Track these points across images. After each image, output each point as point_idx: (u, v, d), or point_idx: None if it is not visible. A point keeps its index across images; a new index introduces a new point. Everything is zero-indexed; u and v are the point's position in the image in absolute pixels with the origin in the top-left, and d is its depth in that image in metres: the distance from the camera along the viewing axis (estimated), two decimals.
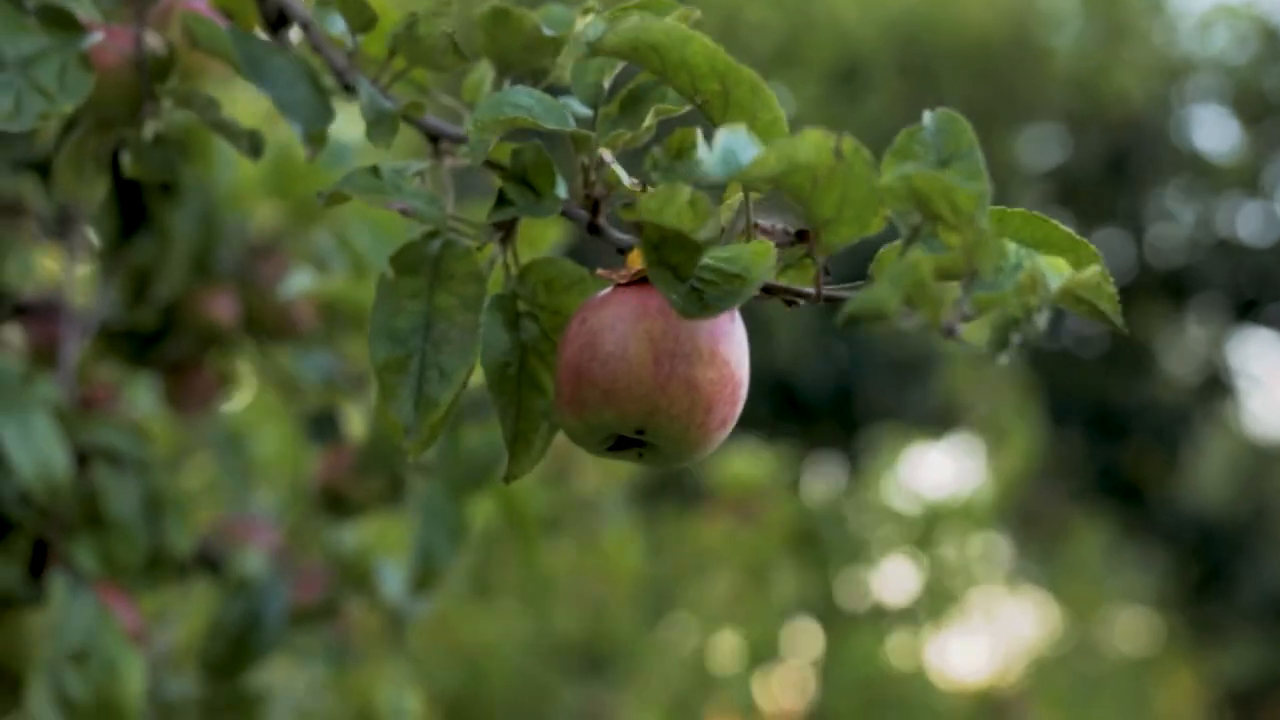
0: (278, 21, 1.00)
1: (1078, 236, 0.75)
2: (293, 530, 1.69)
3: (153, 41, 0.99)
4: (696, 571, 3.46)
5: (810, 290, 0.75)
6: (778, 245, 0.80)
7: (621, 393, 0.77)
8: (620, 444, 0.80)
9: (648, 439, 0.78)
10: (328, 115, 0.92)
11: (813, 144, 0.67)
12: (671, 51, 0.75)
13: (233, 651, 1.47)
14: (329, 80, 0.96)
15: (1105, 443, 6.63)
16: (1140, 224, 7.52)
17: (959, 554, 3.58)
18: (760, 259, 0.72)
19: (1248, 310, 7.47)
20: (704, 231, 0.71)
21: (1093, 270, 0.71)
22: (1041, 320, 0.68)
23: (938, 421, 4.91)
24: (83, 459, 1.29)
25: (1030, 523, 4.99)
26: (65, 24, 0.93)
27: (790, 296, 0.77)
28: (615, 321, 0.78)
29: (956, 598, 3.64)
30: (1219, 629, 6.34)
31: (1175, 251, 7.62)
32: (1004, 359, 0.68)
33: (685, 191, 0.70)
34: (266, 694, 1.49)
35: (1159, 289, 7.28)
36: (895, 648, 3.70)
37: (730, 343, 0.79)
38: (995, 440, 3.54)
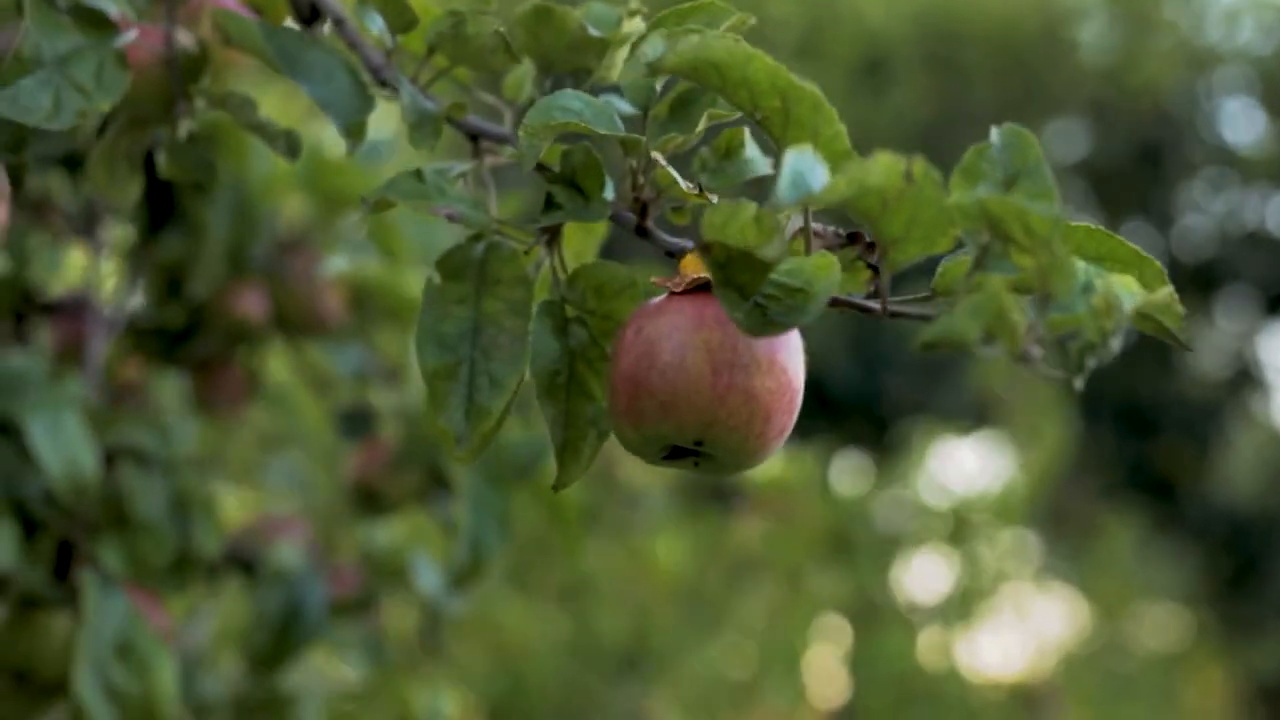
0: (310, 16, 0.98)
1: (1143, 253, 0.73)
2: (324, 529, 1.68)
3: (184, 39, 0.97)
4: (735, 575, 3.45)
5: (875, 305, 0.73)
6: (829, 248, 0.78)
7: (680, 404, 0.75)
8: (676, 453, 0.78)
9: (705, 449, 0.77)
10: (366, 108, 0.91)
11: (883, 168, 0.66)
12: (733, 70, 0.73)
13: (275, 642, 1.46)
14: (365, 76, 0.94)
15: (1135, 438, 6.60)
16: (1168, 216, 7.48)
17: (990, 550, 3.56)
18: (824, 273, 0.70)
19: (1278, 303, 7.43)
20: (770, 249, 0.69)
21: (1165, 292, 0.69)
22: (1116, 343, 0.66)
23: (967, 417, 4.89)
24: (109, 458, 1.28)
25: (1060, 519, 4.96)
26: (99, 23, 0.91)
27: (855, 309, 0.74)
28: (672, 331, 0.76)
29: (987, 594, 3.62)
30: (1250, 624, 6.32)
31: (1203, 244, 7.58)
32: (1079, 383, 0.66)
33: (750, 208, 0.68)
34: (300, 694, 1.48)
35: (1187, 282, 7.24)
36: (926, 644, 3.68)
37: (788, 351, 0.77)
38: (1027, 436, 3.51)
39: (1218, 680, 5.80)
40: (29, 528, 1.23)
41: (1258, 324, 7.55)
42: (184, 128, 0.99)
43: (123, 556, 1.24)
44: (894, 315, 0.72)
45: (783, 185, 0.67)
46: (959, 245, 0.70)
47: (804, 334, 0.79)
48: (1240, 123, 7.86)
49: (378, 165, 1.53)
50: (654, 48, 0.78)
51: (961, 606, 3.59)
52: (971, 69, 6.65)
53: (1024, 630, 4.65)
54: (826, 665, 3.56)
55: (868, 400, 6.08)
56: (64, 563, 1.24)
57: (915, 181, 0.67)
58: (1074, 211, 7.25)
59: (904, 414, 5.48)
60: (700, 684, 3.38)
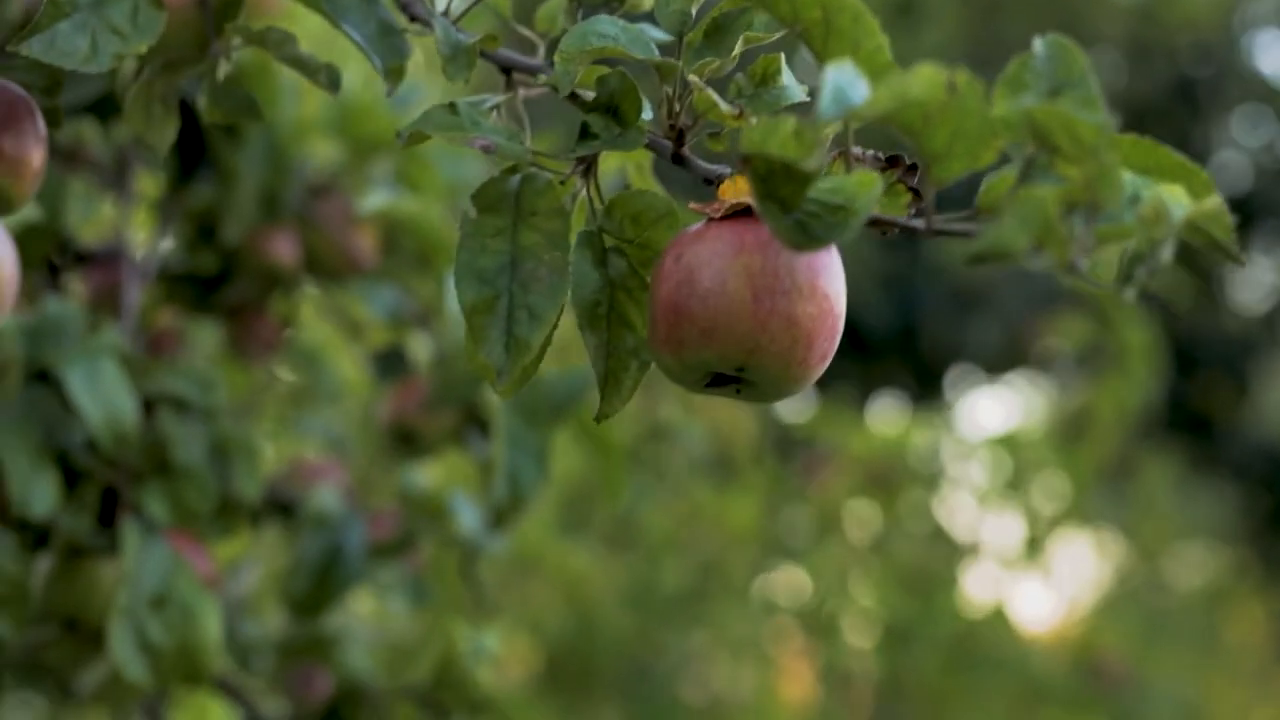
0: None
1: (1190, 163, 0.71)
2: (361, 473, 1.68)
3: None
4: (818, 532, 3.47)
5: (919, 223, 0.72)
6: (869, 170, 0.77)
7: (722, 331, 0.75)
8: (717, 380, 0.78)
9: (746, 376, 0.77)
10: (405, 49, 0.90)
11: (926, 80, 0.65)
12: None
13: (316, 587, 1.46)
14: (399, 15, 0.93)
15: (1172, 375, 6.57)
16: (1205, 152, 7.41)
17: (1034, 493, 3.54)
18: (865, 190, 0.69)
19: None
20: (812, 161, 0.68)
21: (1214, 200, 0.67)
22: (1166, 253, 0.65)
23: (1004, 357, 4.86)
24: (148, 407, 1.28)
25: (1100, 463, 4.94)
26: None
27: (897, 228, 0.73)
28: (712, 257, 0.76)
29: (1036, 536, 3.60)
30: None
31: (1240, 179, 7.51)
32: (1130, 294, 0.65)
33: (789, 122, 0.67)
34: (343, 634, 1.49)
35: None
36: (972, 588, 3.67)
37: (829, 276, 0.77)
38: (1098, 383, 3.47)
39: (1259, 617, 5.79)
40: (72, 477, 1.23)
41: None
42: (222, 69, 0.98)
43: (166, 503, 1.23)
44: (938, 233, 0.71)
45: (825, 99, 0.66)
46: (1003, 161, 0.69)
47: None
48: (1278, 56, 7.79)
49: (408, 109, 1.52)
50: None
51: (1012, 549, 3.58)
52: (1007, 4, 6.59)
53: (1065, 572, 4.64)
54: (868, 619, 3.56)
55: (902, 341, 6.06)
56: (109, 510, 1.24)
57: (958, 93, 0.66)
58: None
59: (940, 355, 5.46)
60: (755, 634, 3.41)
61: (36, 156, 0.93)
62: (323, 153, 1.57)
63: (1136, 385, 3.34)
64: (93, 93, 1.31)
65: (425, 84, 1.62)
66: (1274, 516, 6.51)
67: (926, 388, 5.73)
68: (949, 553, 3.51)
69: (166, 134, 1.01)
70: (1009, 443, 3.50)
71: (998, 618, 3.58)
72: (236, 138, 1.44)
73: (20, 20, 1.34)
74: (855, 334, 6.26)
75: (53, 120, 0.98)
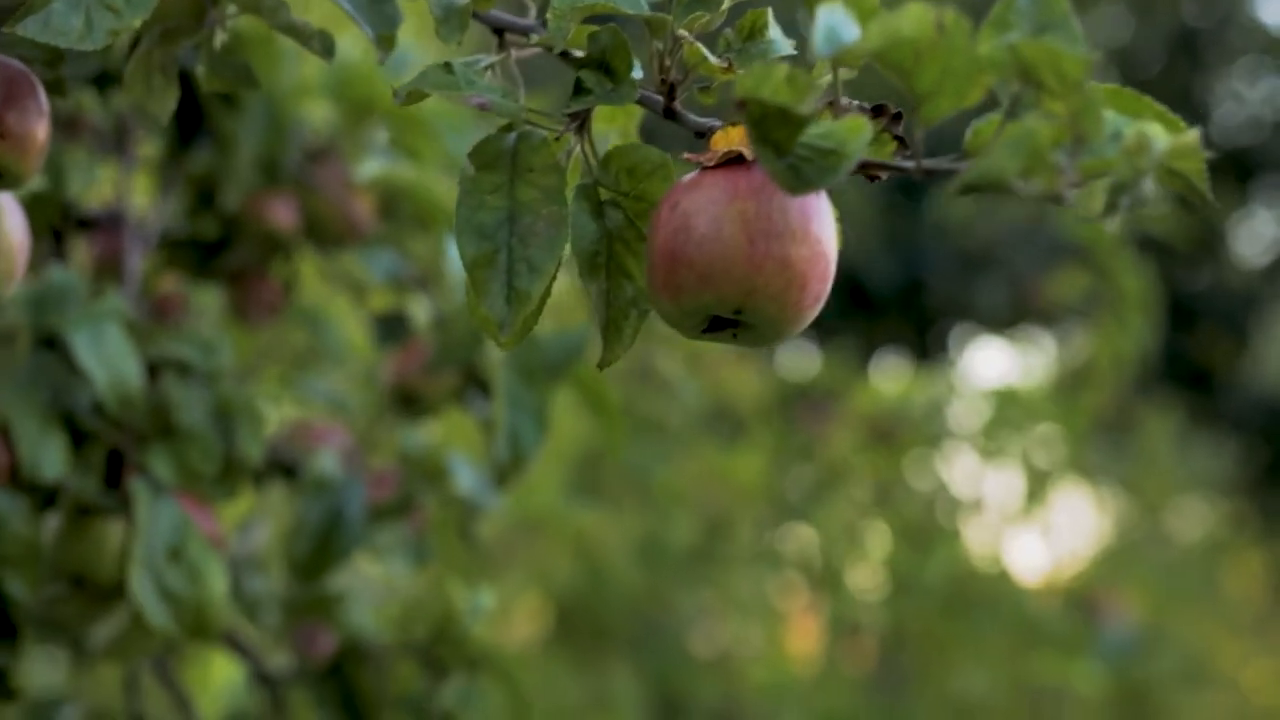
0: None
1: (1169, 112, 0.74)
2: (363, 432, 1.70)
3: None
4: (822, 485, 3.50)
5: (909, 164, 0.74)
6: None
7: (719, 274, 0.77)
8: (715, 325, 0.80)
9: (744, 319, 0.79)
10: (396, 17, 0.92)
11: (915, 18, 0.67)
12: None
13: (317, 551, 1.49)
14: None
15: (1171, 330, 6.59)
16: (1206, 105, 7.43)
17: (1034, 447, 3.58)
18: (855, 134, 0.71)
19: None
20: (805, 105, 0.69)
21: (1192, 135, 0.69)
22: (1148, 186, 0.67)
23: (1009, 314, 4.88)
24: (152, 370, 1.30)
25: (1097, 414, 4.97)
26: None
27: (888, 171, 0.75)
28: (707, 204, 0.78)
29: (1035, 490, 3.64)
30: None
31: (1241, 132, 7.53)
32: (1114, 224, 0.67)
33: (782, 68, 0.69)
34: (347, 592, 1.51)
35: (1224, 170, 7.20)
36: (973, 540, 3.71)
37: (821, 220, 0.79)
38: (1095, 334, 3.50)
39: (1258, 569, 5.83)
40: (79, 438, 1.25)
41: None
42: (219, 38, 1.00)
43: (171, 464, 1.26)
44: (928, 173, 0.73)
45: (819, 38, 0.69)
46: (988, 106, 0.71)
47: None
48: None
49: (403, 73, 1.53)
50: None
51: (1011, 503, 3.62)
52: None
53: (1065, 526, 4.67)
54: (873, 565, 3.60)
55: (907, 297, 6.08)
56: (114, 471, 1.26)
57: (946, 31, 0.68)
58: None
59: (944, 311, 5.48)
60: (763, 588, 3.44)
61: (40, 131, 0.95)
62: (320, 117, 1.59)
63: (1133, 334, 3.37)
64: (93, 64, 1.32)
65: (419, 48, 1.63)
66: (1273, 469, 6.54)
67: (931, 344, 5.76)
68: (951, 506, 3.55)
69: (167, 103, 1.02)
70: (1007, 396, 3.53)
71: (997, 568, 3.62)
72: (235, 104, 1.45)
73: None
74: (861, 291, 6.31)
75: (56, 92, 1.00)
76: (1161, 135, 0.69)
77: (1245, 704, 5.25)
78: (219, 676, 2.14)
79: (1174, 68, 7.18)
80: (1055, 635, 3.53)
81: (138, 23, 0.90)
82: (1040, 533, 4.27)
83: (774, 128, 0.70)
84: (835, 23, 0.68)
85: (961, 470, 3.62)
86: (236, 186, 1.47)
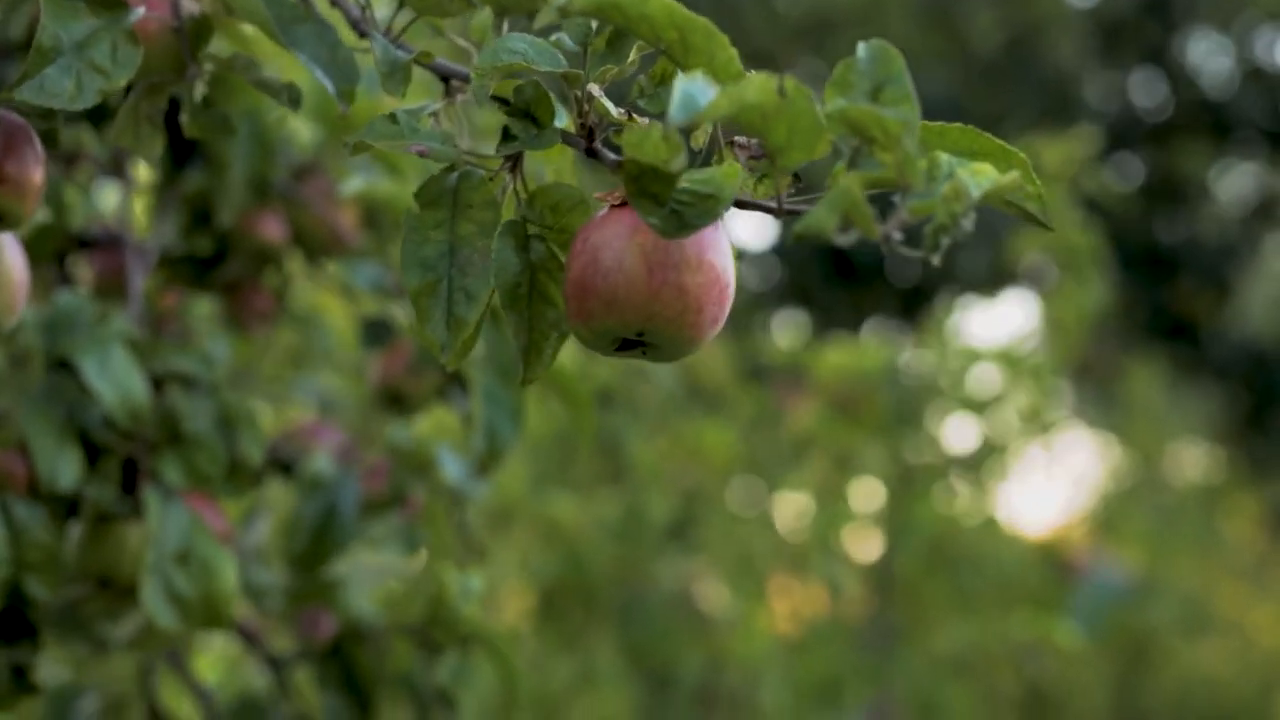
0: None
1: (1008, 146, 0.85)
2: (357, 428, 1.81)
3: (189, 7, 1.10)
4: (791, 456, 3.60)
5: (773, 204, 0.86)
6: (751, 158, 0.91)
7: (622, 302, 0.88)
8: (625, 345, 0.91)
9: (647, 340, 0.90)
10: (355, 73, 1.03)
11: (758, 86, 0.78)
12: (632, 9, 0.85)
13: (313, 545, 1.59)
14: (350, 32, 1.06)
15: (1154, 283, 6.67)
16: (1180, 61, 7.48)
17: (1021, 405, 3.67)
18: (730, 179, 0.83)
19: None
20: (676, 162, 0.81)
21: (1012, 175, 0.81)
22: (968, 223, 0.79)
23: (992, 281, 4.97)
24: (159, 383, 1.41)
25: (1084, 369, 5.06)
26: (110, 3, 1.01)
27: (757, 210, 0.87)
28: (612, 239, 0.89)
29: (1021, 448, 3.74)
30: (1274, 457, 6.40)
31: (1216, 87, 7.58)
32: (936, 259, 0.79)
33: (658, 129, 0.80)
34: (345, 579, 1.61)
35: (1201, 125, 7.27)
36: (961, 500, 3.80)
37: (716, 250, 0.90)
38: (1061, 293, 3.61)
39: (1253, 512, 5.91)
40: (95, 451, 1.35)
41: (1273, 160, 7.57)
42: (199, 90, 1.12)
43: (181, 469, 1.36)
44: (789, 213, 0.85)
45: (674, 106, 0.80)
46: (840, 151, 0.83)
47: None
48: None
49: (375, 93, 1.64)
50: None
51: (997, 461, 3.71)
52: None
53: (1061, 481, 4.77)
54: (862, 526, 3.70)
55: (893, 268, 6.17)
56: (130, 479, 1.37)
57: (788, 96, 0.79)
58: (1087, 62, 7.27)
59: (930, 279, 5.57)
60: (743, 556, 3.54)
61: (36, 176, 1.05)
62: (304, 136, 1.70)
63: (1089, 288, 3.49)
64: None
65: None
66: (1257, 414, 6.62)
67: (917, 311, 5.85)
68: (932, 463, 3.65)
69: (155, 147, 1.14)
70: (980, 355, 3.63)
71: (982, 524, 3.72)
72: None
73: (24, 36, 1.48)
74: (846, 261, 6.41)
75: (50, 142, 1.11)
76: (983, 178, 0.81)
77: (1249, 647, 5.32)
78: (226, 660, 2.24)
79: (1148, 22, 7.23)
80: (1034, 592, 3.64)
81: (123, 82, 1.02)
82: (1033, 485, 4.36)
83: (649, 183, 0.82)
84: (692, 91, 0.80)
85: (945, 429, 3.72)
86: (229, 205, 1.58)
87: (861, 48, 0.83)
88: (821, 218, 0.75)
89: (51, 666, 1.62)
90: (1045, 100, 6.99)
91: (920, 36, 6.66)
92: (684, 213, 0.83)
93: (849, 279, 5.95)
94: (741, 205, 0.87)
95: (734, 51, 0.86)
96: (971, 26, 6.94)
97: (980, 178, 0.80)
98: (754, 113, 0.79)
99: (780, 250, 6.36)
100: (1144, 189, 7.14)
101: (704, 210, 0.83)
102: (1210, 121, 7.22)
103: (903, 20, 6.77)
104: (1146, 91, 7.55)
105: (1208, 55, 7.68)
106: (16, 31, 1.46)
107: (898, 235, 0.78)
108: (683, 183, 0.84)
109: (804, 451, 3.49)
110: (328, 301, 1.95)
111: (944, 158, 0.82)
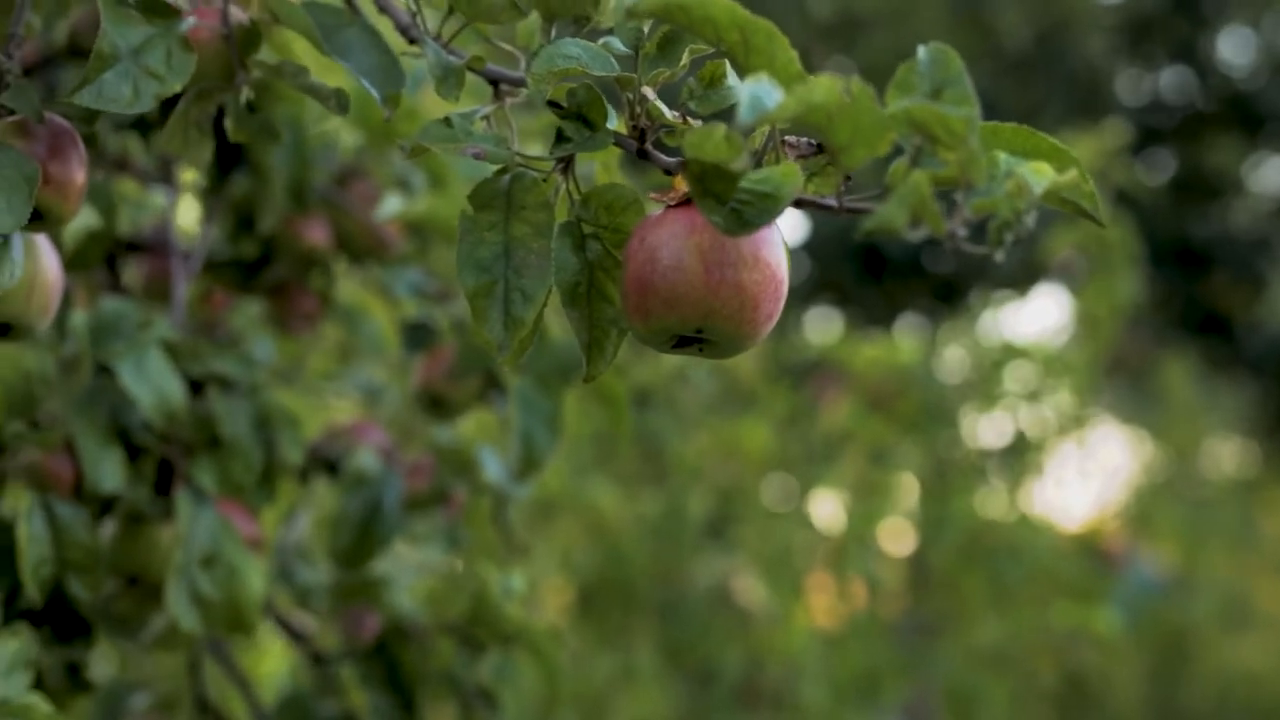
0: None
1: (1061, 145, 0.85)
2: (402, 421, 1.82)
3: (238, 15, 1.10)
4: (826, 452, 3.61)
5: (833, 203, 0.86)
6: (802, 157, 0.92)
7: (681, 299, 0.89)
8: (682, 342, 0.92)
9: (705, 336, 0.91)
10: (400, 79, 1.04)
11: (824, 87, 0.78)
12: (697, 10, 0.85)
13: (357, 541, 1.59)
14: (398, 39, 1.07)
15: (1186, 279, 6.65)
16: (1209, 53, 7.46)
17: (1055, 401, 3.67)
18: (789, 179, 0.84)
19: None
20: (738, 162, 0.82)
21: (1071, 173, 0.82)
22: (1030, 220, 0.80)
23: (1026, 274, 4.96)
24: (200, 385, 1.42)
25: (1117, 365, 5.05)
26: (163, 12, 1.03)
27: (816, 208, 0.88)
28: (670, 239, 0.90)
29: (1054, 444, 3.74)
30: None
31: (1246, 79, 7.56)
32: (1000, 255, 0.80)
33: (720, 129, 0.81)
34: (389, 577, 1.62)
35: (1232, 118, 7.24)
36: (995, 496, 3.80)
37: (771, 248, 0.91)
38: (1095, 290, 3.61)
39: None
40: (134, 452, 1.37)
41: None
42: (245, 95, 1.12)
43: (214, 476, 1.37)
44: (849, 211, 0.85)
45: (743, 108, 0.81)
46: (900, 150, 0.84)
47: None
48: None
49: (417, 95, 1.65)
50: None
51: (1030, 456, 3.71)
52: None
53: (1095, 475, 4.75)
54: (896, 521, 3.70)
55: (926, 264, 6.15)
56: (165, 481, 1.38)
57: (854, 96, 0.80)
58: (1117, 57, 7.26)
59: (961, 277, 5.57)
60: (781, 551, 3.55)
61: (79, 178, 1.06)
62: (347, 140, 1.71)
63: (1122, 281, 3.49)
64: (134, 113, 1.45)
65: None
66: None
67: (950, 307, 5.84)
68: (966, 458, 3.65)
69: (203, 154, 1.15)
70: (1015, 351, 3.63)
71: (1018, 518, 3.72)
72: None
73: (66, 41, 1.50)
74: (877, 257, 6.41)
75: (91, 143, 1.12)
76: (1043, 175, 0.81)
77: None
78: (273, 657, 2.26)
79: (1178, 16, 7.21)
80: (1072, 584, 3.64)
81: (178, 86, 1.03)
82: (1068, 481, 4.36)
83: (713, 183, 0.83)
84: (759, 93, 0.81)
85: (980, 425, 3.72)
86: (271, 211, 1.60)
87: (921, 50, 0.84)
88: (892, 214, 0.75)
89: (100, 664, 1.63)
90: (1076, 95, 6.98)
91: (950, 33, 6.66)
92: (744, 211, 0.84)
93: (880, 275, 5.95)
94: (800, 204, 0.88)
95: (794, 53, 0.86)
96: (1001, 23, 6.94)
97: (1040, 175, 0.81)
98: (819, 113, 0.80)
99: (810, 246, 6.37)
100: (1175, 183, 7.13)
101: (764, 209, 0.84)
102: (1242, 115, 7.19)
103: (933, 17, 6.76)
104: (1177, 86, 7.54)
105: (1238, 49, 7.67)
106: (59, 38, 1.47)
107: (961, 231, 0.79)
108: (743, 182, 0.84)
109: (840, 446, 3.50)
110: (370, 301, 1.96)
111: (1003, 156, 0.83)
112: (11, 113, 1.02)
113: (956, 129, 0.78)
